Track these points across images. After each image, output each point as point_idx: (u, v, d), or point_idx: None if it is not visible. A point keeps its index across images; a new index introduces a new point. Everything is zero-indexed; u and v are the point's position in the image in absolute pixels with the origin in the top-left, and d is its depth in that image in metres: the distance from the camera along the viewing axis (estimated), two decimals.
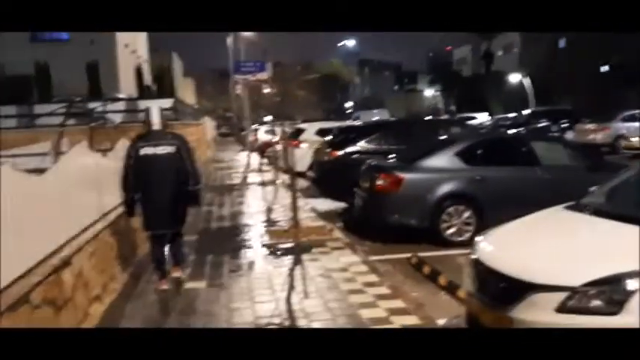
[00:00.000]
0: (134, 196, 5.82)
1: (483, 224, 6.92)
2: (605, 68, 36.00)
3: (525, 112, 28.77)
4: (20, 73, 22.02)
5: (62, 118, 10.83)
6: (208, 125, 36.35)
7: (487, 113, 36.32)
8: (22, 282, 3.71)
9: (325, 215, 9.82)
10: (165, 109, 6.33)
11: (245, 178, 16.38)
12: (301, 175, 12.80)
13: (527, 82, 35.09)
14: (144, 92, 25.54)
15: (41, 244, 4.19)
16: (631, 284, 3.09)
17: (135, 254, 7.11)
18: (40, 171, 5.13)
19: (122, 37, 30.88)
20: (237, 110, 34.00)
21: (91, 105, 14.68)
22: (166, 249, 6.06)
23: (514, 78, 38.23)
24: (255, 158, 19.82)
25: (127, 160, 5.74)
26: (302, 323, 4.72)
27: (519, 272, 3.45)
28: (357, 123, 20.26)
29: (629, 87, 29.83)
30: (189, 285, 6.01)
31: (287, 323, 4.76)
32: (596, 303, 3.15)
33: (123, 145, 7.72)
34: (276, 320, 4.83)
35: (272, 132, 22.52)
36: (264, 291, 5.68)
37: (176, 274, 6.12)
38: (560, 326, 3.11)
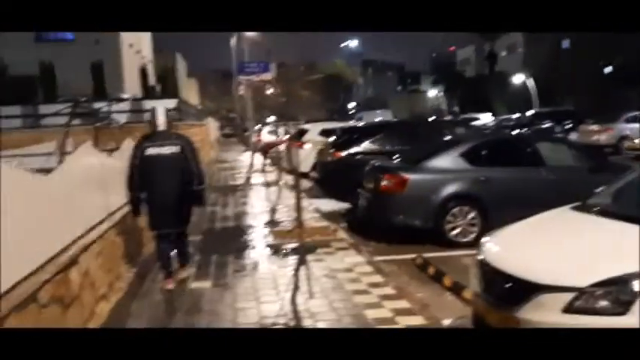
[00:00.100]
0: (140, 195, 5.87)
1: (488, 225, 6.95)
2: (608, 69, 35.95)
3: (529, 112, 28.74)
4: (25, 73, 22.09)
5: (67, 118, 10.86)
6: (212, 126, 36.40)
7: (490, 114, 36.27)
8: (30, 280, 3.73)
9: (329, 216, 9.82)
10: (170, 110, 6.40)
11: (248, 178, 16.41)
12: (305, 175, 12.82)
13: (530, 82, 35.06)
14: (148, 92, 25.59)
15: (48, 243, 4.21)
16: (638, 285, 3.09)
17: (140, 253, 7.14)
18: (45, 171, 5.15)
19: (127, 38, 30.94)
20: (240, 111, 34.06)
21: (96, 105, 14.74)
22: (172, 248, 6.10)
23: (517, 79, 38.20)
24: (258, 159, 19.84)
25: (133, 160, 5.80)
26: (307, 323, 4.73)
27: (526, 273, 3.45)
28: (360, 124, 20.26)
29: (630, 87, 29.77)
30: (194, 285, 6.03)
31: (292, 323, 4.77)
32: (603, 303, 3.15)
33: (128, 145, 7.76)
34: (282, 320, 4.84)
35: (275, 132, 22.55)
36: (269, 291, 5.69)
37: (182, 274, 6.19)
38: (566, 327, 3.11)
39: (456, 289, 5.58)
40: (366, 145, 11.14)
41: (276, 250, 7.41)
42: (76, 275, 4.56)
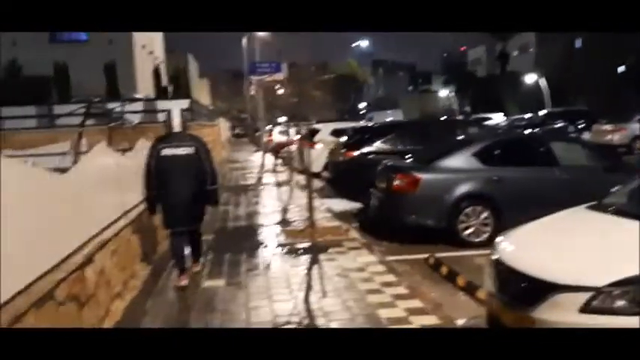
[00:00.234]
0: (156, 194, 6.00)
1: (501, 225, 6.92)
2: (621, 69, 35.60)
3: (541, 112, 28.55)
4: (39, 73, 22.31)
5: (81, 119, 10.97)
6: (223, 126, 36.53)
7: (502, 114, 36.06)
8: (48, 278, 3.77)
9: (341, 215, 9.83)
10: (182, 110, 6.53)
11: (260, 178, 16.46)
12: (316, 175, 12.83)
13: (542, 82, 34.82)
14: (161, 93, 25.75)
15: (65, 241, 4.25)
16: None
17: (155, 251, 7.20)
18: (61, 170, 5.21)
19: (139, 38, 31.16)
20: (251, 111, 34.15)
21: (110, 105, 14.87)
22: (186, 246, 6.21)
23: (530, 78, 37.95)
24: (269, 159, 19.89)
25: (149, 161, 5.96)
26: (321, 322, 4.74)
27: (542, 272, 3.44)
28: (370, 124, 20.24)
29: None
30: (207, 283, 6.06)
31: (306, 322, 4.78)
32: (621, 303, 3.13)
33: (141, 145, 7.83)
34: (295, 319, 4.85)
35: (286, 133, 22.57)
36: (282, 290, 5.70)
37: (194, 268, 6.39)
38: (583, 326, 3.10)
39: (470, 289, 5.56)
40: (377, 145, 11.12)
41: (288, 249, 7.43)
42: (91, 273, 4.60)
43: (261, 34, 25.09)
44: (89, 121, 11.67)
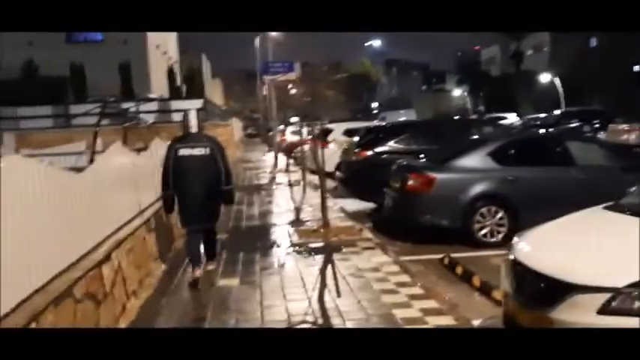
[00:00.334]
0: (173, 194, 6.10)
1: (516, 225, 6.87)
2: (637, 68, 35.17)
3: (556, 112, 28.30)
4: (56, 74, 22.55)
5: (97, 118, 11.09)
6: (236, 126, 36.69)
7: (515, 114, 35.79)
8: (65, 277, 3.81)
9: (354, 215, 9.82)
10: (197, 110, 6.64)
11: (273, 178, 16.49)
12: (330, 175, 12.82)
13: (557, 81, 34.52)
14: (175, 93, 25.91)
15: (82, 240, 4.29)
16: None
17: (170, 250, 7.24)
18: (77, 170, 5.26)
19: (153, 39, 31.38)
20: (264, 111, 34.20)
21: (125, 105, 15.00)
22: (201, 244, 6.30)
23: (544, 78, 37.62)
24: (282, 158, 19.92)
25: (166, 160, 6.08)
26: (336, 322, 4.74)
27: (560, 273, 3.40)
28: (383, 123, 20.18)
29: None
30: (222, 282, 6.09)
31: (320, 322, 4.78)
32: None
33: (156, 145, 7.89)
34: (310, 318, 4.85)
35: (299, 132, 22.57)
36: (296, 289, 5.71)
37: (209, 267, 6.45)
38: (601, 327, 3.06)
39: (486, 289, 5.52)
40: (391, 145, 11.08)
41: (302, 249, 7.43)
42: (108, 272, 4.64)
43: (273, 34, 25.12)
44: (104, 121, 11.78)
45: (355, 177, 11.34)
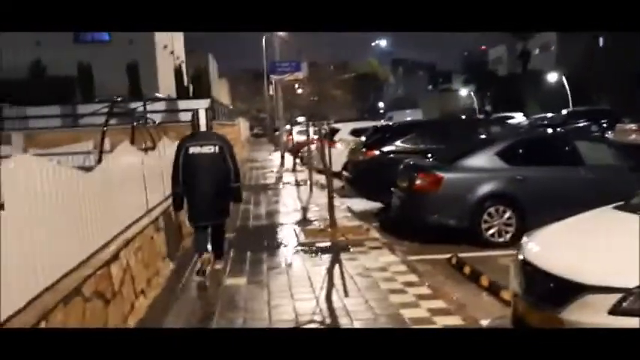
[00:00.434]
0: (183, 190, 6.21)
1: (524, 225, 6.84)
2: None
3: (564, 111, 28.18)
4: (64, 74, 22.65)
5: (104, 118, 11.12)
6: (242, 126, 36.73)
7: (522, 113, 35.65)
8: (74, 275, 3.82)
9: (361, 215, 9.81)
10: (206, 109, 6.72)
11: (279, 177, 16.51)
12: (337, 175, 12.81)
13: (564, 81, 34.37)
14: (183, 93, 25.97)
15: (91, 239, 4.31)
16: None
17: (178, 250, 7.26)
18: (85, 169, 5.28)
19: (160, 39, 31.45)
20: (270, 111, 34.24)
21: (132, 105, 15.04)
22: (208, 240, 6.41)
23: (551, 77, 37.46)
24: (288, 158, 19.93)
25: (177, 158, 6.20)
26: (343, 322, 4.73)
27: (571, 273, 3.38)
28: (390, 123, 20.14)
29: None
30: (229, 282, 6.10)
31: (328, 321, 4.77)
32: None
33: (164, 144, 7.91)
34: (317, 318, 4.85)
35: (306, 132, 22.58)
36: (303, 289, 5.70)
37: (216, 265, 6.48)
38: (612, 328, 3.04)
39: (494, 289, 5.50)
40: (398, 144, 11.05)
41: (309, 248, 7.43)
42: (117, 270, 4.66)
43: (280, 33, 25.14)
44: (112, 121, 11.80)
45: (362, 176, 11.32)
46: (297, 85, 21.30)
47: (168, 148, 7.68)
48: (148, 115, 12.80)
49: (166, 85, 28.98)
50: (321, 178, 12.12)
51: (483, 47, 70.42)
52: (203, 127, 6.29)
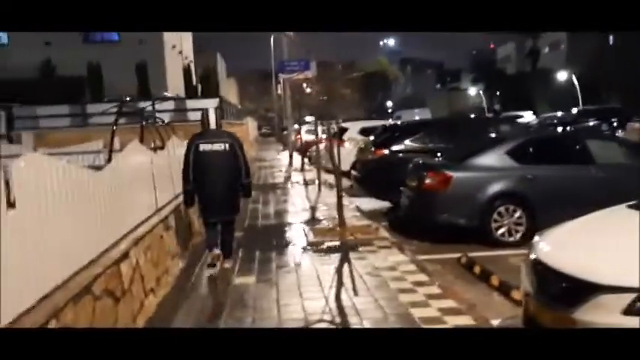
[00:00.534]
0: (194, 187, 6.31)
1: (535, 224, 6.80)
2: None
3: (574, 110, 27.99)
4: (74, 74, 22.80)
5: (114, 118, 11.18)
6: (250, 125, 36.81)
7: (531, 112, 35.44)
8: (84, 273, 3.83)
9: (370, 214, 9.79)
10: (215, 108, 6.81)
11: (288, 177, 16.51)
12: (345, 174, 12.79)
13: (574, 79, 34.14)
14: (191, 92, 26.08)
15: (101, 237, 4.32)
16: None
17: (187, 248, 7.27)
18: (95, 168, 5.30)
19: (169, 39, 31.58)
20: (278, 110, 34.26)
21: (141, 104, 15.11)
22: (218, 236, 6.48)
23: (561, 76, 37.23)
24: (297, 158, 19.92)
25: (187, 155, 6.29)
26: (353, 321, 4.71)
27: (584, 273, 3.35)
28: (399, 122, 20.09)
29: None
30: (238, 280, 6.10)
31: (338, 320, 4.76)
32: None
33: (173, 143, 7.93)
34: (327, 317, 4.83)
35: (314, 131, 22.57)
36: (312, 288, 5.69)
37: (225, 264, 6.50)
38: (626, 328, 3.00)
39: (504, 289, 5.46)
40: (407, 143, 11.01)
41: (318, 247, 7.42)
42: (126, 269, 4.67)
43: (288, 33, 25.13)
44: (121, 120, 11.86)
45: (371, 176, 11.29)
46: (305, 85, 21.27)
47: (177, 148, 7.70)
48: (157, 115, 12.83)
49: (175, 85, 29.11)
50: (330, 178, 12.11)
51: (492, 45, 70.14)
52: (213, 126, 6.41)
